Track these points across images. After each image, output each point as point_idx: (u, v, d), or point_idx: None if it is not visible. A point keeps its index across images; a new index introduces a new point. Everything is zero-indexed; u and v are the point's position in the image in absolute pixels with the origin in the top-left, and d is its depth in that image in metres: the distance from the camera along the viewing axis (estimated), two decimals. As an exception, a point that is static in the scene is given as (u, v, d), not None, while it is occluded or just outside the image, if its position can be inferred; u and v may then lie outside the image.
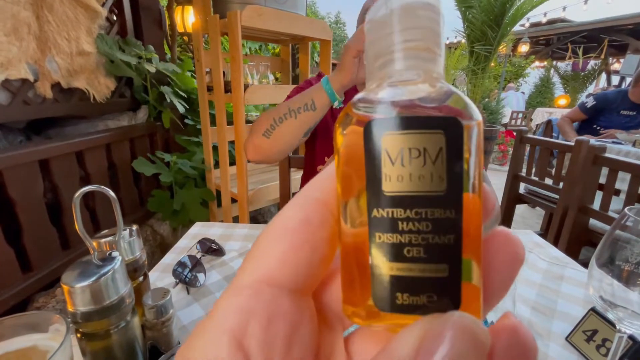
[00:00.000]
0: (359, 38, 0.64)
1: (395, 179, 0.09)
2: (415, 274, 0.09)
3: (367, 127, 0.09)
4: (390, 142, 0.09)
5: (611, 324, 0.45)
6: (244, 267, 0.10)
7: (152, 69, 1.57)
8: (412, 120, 0.09)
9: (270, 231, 0.10)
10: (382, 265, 0.09)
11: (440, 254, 0.09)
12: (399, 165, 0.09)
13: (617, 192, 1.55)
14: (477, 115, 0.09)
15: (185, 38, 2.43)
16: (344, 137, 0.10)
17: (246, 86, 1.32)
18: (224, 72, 1.40)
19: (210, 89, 1.49)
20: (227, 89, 1.39)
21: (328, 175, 0.11)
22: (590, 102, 2.11)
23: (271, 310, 0.09)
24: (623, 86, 7.20)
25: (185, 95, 1.79)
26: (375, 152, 0.09)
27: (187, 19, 2.08)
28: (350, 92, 0.81)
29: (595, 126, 2.14)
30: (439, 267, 0.09)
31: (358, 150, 0.09)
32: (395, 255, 0.09)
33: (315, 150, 0.92)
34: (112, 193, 0.34)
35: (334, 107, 0.72)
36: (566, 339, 0.48)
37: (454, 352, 0.07)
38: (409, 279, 0.09)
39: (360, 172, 0.09)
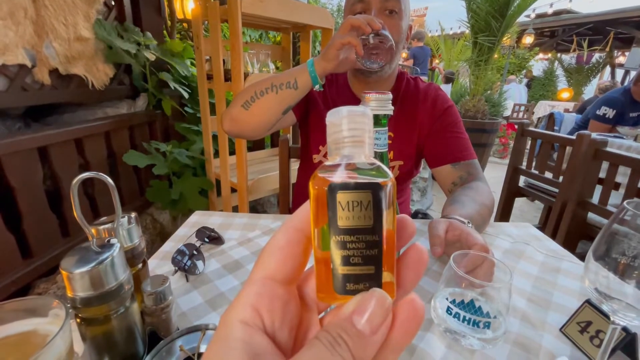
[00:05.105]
0: (344, 32, 0.68)
1: (345, 218, 0.15)
2: (357, 272, 0.15)
3: (329, 188, 0.15)
4: (342, 197, 0.15)
5: (605, 315, 0.45)
6: (255, 268, 0.17)
7: (151, 57, 1.55)
8: (353, 185, 0.15)
9: (270, 246, 0.17)
10: (338, 268, 0.15)
11: (370, 260, 0.15)
12: (347, 210, 0.15)
13: (617, 187, 1.55)
14: (390, 174, 0.16)
15: (185, 25, 2.40)
16: (315, 191, 0.16)
17: (246, 75, 1.31)
18: (224, 60, 1.38)
19: (210, 77, 1.47)
20: (227, 78, 1.38)
21: (305, 209, 0.17)
22: (610, 112, 2.08)
23: (272, 294, 0.16)
24: (627, 80, 7.12)
25: (186, 82, 1.77)
26: (333, 203, 0.15)
27: (187, 4, 2.05)
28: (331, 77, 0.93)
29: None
30: (370, 267, 0.15)
31: (323, 199, 0.15)
32: (346, 262, 0.15)
33: (309, 140, 0.93)
34: (110, 180, 0.34)
35: (314, 89, 0.75)
36: (560, 330, 0.49)
37: (373, 309, 0.14)
38: (353, 275, 0.15)
39: (323, 212, 0.15)
